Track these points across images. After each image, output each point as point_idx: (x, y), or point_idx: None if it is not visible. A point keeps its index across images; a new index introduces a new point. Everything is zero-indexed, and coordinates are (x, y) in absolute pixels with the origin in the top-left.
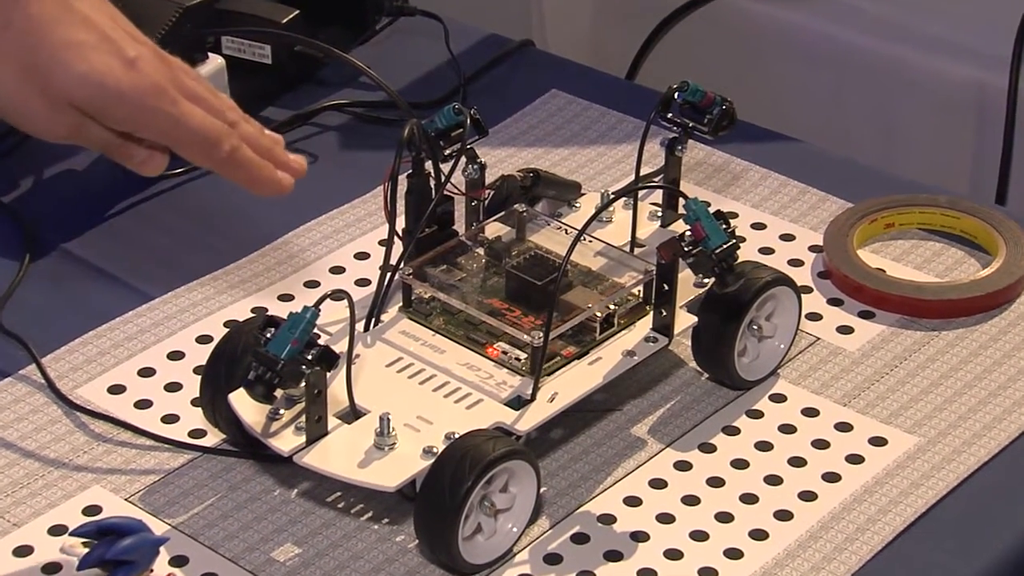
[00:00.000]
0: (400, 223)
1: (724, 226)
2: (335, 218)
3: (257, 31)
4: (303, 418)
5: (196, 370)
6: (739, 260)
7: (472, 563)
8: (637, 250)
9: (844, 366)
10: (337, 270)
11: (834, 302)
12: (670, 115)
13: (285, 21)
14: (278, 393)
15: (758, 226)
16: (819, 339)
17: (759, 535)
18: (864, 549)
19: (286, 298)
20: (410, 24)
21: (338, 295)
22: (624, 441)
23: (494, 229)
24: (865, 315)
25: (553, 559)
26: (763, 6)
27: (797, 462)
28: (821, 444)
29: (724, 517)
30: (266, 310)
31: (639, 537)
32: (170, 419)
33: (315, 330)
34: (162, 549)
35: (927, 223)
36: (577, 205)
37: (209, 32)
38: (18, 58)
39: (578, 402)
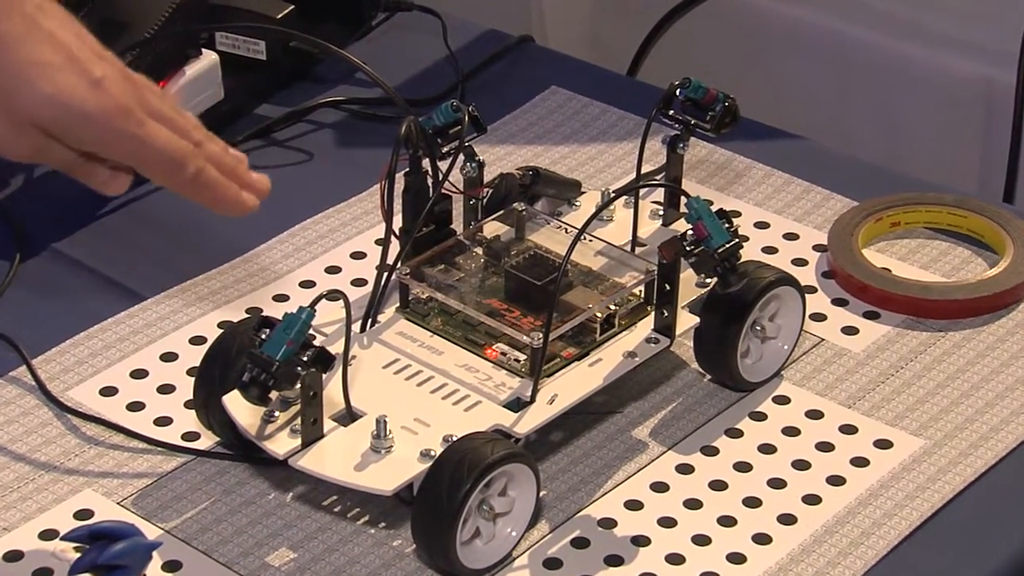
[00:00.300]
0: (397, 222)
1: (727, 225)
2: (331, 217)
3: (251, 26)
4: (298, 420)
5: (190, 372)
6: (742, 259)
7: (470, 568)
8: (638, 249)
9: (849, 367)
10: (333, 270)
11: (839, 302)
12: (672, 112)
13: (280, 16)
14: (273, 395)
15: (761, 225)
16: (823, 340)
17: (762, 539)
18: (869, 554)
19: (281, 298)
20: (407, 19)
21: (334, 295)
22: (625, 444)
23: (493, 228)
24: (870, 315)
25: (553, 564)
26: (767, 1)
27: (801, 465)
28: (825, 447)
29: (727, 521)
30: (261, 310)
31: (640, 542)
32: (163, 421)
33: (311, 331)
34: (155, 554)
35: (933, 222)
36: (577, 204)
37: (203, 28)
38: None
39: (578, 404)
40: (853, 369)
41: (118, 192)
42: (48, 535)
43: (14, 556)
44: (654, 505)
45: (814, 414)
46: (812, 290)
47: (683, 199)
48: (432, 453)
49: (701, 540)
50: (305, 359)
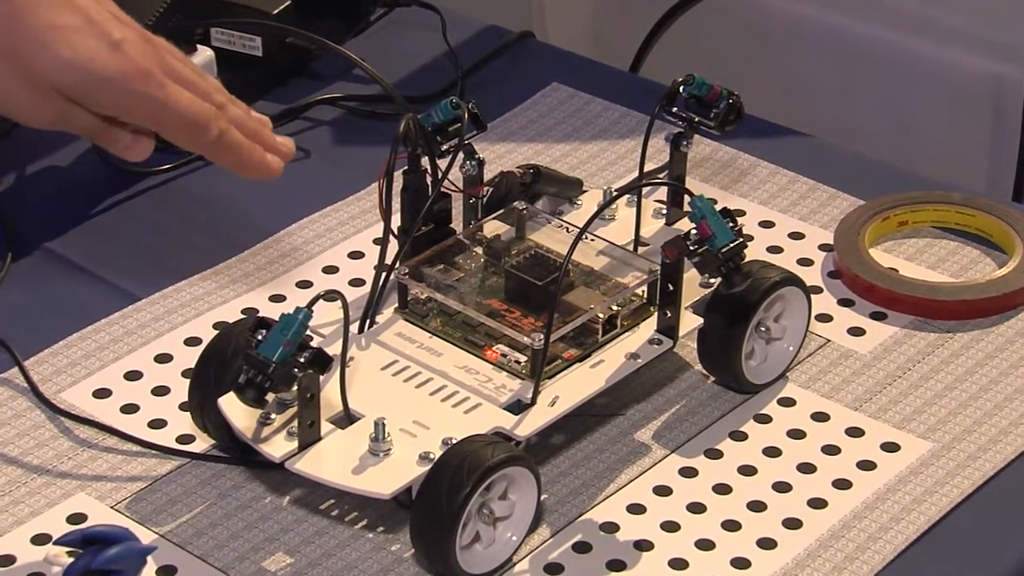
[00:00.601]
0: (396, 221)
1: (731, 224)
2: (328, 216)
3: (247, 22)
4: (295, 423)
5: (184, 373)
6: (746, 259)
7: (470, 573)
8: (641, 249)
9: (855, 369)
10: (330, 270)
11: (845, 303)
12: (675, 109)
13: (276, 12)
14: (269, 397)
15: (766, 224)
16: (829, 341)
17: (767, 544)
18: (876, 559)
19: (278, 299)
20: (406, 15)
21: (331, 296)
22: (627, 447)
23: (493, 227)
24: (877, 316)
25: (554, 569)
26: None
27: (806, 468)
28: (831, 450)
29: (731, 525)
30: (257, 311)
31: (643, 546)
32: (157, 424)
33: (308, 332)
34: (149, 559)
35: (941, 221)
36: (579, 202)
37: (198, 23)
38: (0, 43)
39: (580, 406)
40: (860, 371)
41: (141, 157)
42: (41, 539)
43: (6, 561)
44: (657, 509)
45: (820, 416)
46: (818, 290)
47: (686, 198)
48: (431, 456)
49: (705, 545)
50: (302, 360)
